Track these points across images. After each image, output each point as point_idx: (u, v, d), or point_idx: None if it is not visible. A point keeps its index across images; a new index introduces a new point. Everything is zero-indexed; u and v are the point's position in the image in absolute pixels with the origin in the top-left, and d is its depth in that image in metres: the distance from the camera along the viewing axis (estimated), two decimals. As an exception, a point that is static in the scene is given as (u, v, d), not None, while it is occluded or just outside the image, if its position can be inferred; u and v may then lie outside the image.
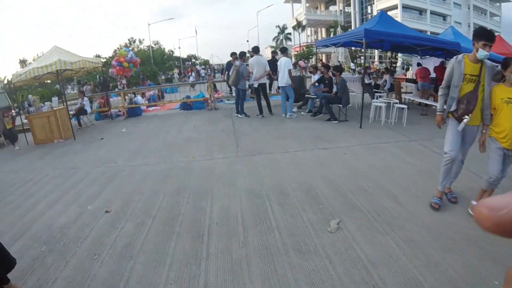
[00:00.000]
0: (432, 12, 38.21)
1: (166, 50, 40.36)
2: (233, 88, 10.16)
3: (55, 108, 8.80)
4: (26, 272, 2.88)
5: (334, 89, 7.63)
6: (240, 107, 8.47)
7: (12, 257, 2.22)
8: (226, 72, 10.44)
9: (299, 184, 4.01)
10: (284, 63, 7.94)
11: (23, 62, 39.98)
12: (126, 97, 11.56)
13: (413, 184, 3.82)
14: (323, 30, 48.92)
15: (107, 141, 7.55)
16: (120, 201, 3.97)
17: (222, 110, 9.93)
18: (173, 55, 42.07)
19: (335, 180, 3.99)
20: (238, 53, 8.90)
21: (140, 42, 43.38)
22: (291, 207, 3.46)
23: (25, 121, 9.62)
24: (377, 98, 9.06)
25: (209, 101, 10.52)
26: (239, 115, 8.50)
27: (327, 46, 11.90)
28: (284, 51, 8.58)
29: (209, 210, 3.53)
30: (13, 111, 11.52)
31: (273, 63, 9.11)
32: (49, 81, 18.05)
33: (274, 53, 11.81)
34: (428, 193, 3.46)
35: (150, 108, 12.05)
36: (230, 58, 9.99)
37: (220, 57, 75.53)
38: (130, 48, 18.75)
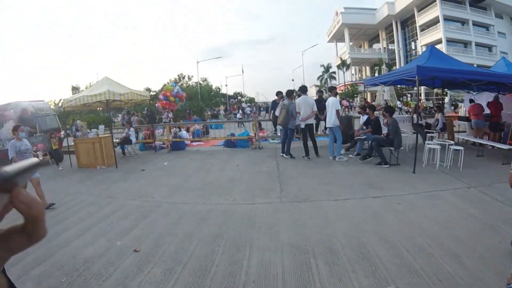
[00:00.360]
0: (477, 44, 37.79)
1: (213, 87, 42.83)
2: (278, 128, 10.21)
3: (100, 136, 9.41)
4: None
5: (384, 130, 7.36)
6: (286, 147, 8.29)
7: None
8: (272, 111, 10.66)
9: (349, 239, 3.56)
10: (332, 103, 7.79)
11: (75, 89, 44.65)
12: (172, 130, 11.96)
13: (477, 241, 3.44)
14: (367, 68, 50.25)
15: (148, 173, 7.77)
16: (151, 241, 3.82)
17: (267, 149, 9.82)
18: (220, 92, 44.50)
19: (390, 236, 3.55)
20: (284, 92, 8.94)
21: (189, 78, 46.67)
22: (339, 267, 3.01)
23: (71, 144, 10.42)
24: (429, 139, 8.68)
25: (254, 139, 10.49)
26: (284, 155, 8.31)
27: (376, 85, 11.59)
28: (332, 90, 8.46)
29: (246, 264, 3.19)
30: (61, 133, 12.73)
31: (319, 102, 9.01)
32: (100, 108, 19.55)
33: (320, 92, 11.83)
34: (494, 253, 3.15)
35: (194, 143, 12.36)
36: (276, 97, 10.34)
37: (266, 95, 78.78)
38: (176, 83, 19.94)
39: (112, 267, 3.30)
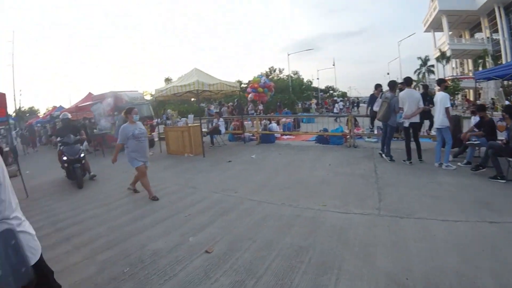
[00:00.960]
0: None
1: (305, 80, 42.47)
2: (375, 125, 9.91)
3: (190, 125, 9.93)
4: None
5: (502, 136, 6.32)
6: (386, 147, 7.22)
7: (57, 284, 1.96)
8: (369, 106, 10.12)
9: (460, 279, 2.66)
10: (441, 99, 6.43)
11: (168, 80, 49.18)
12: (262, 122, 11.89)
13: None
14: (469, 61, 45.93)
15: (234, 165, 7.81)
16: (226, 243, 3.58)
17: (362, 149, 8.83)
18: (311, 85, 44.00)
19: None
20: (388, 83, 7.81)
21: (280, 71, 47.11)
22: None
23: (161, 131, 11.46)
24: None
25: (348, 137, 9.61)
26: (383, 156, 7.25)
27: (489, 79, 9.36)
28: (441, 83, 7.05)
29: (332, 291, 2.58)
30: (154, 120, 14.20)
31: (423, 98, 7.63)
32: (193, 99, 20.95)
33: (425, 87, 10.14)
34: None
35: (284, 137, 12.11)
36: (373, 91, 9.90)
37: (358, 90, 74.71)
38: (263, 75, 20.25)
39: (178, 265, 3.14)
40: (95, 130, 13.59)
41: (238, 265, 3.03)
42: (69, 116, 8.28)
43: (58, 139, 7.38)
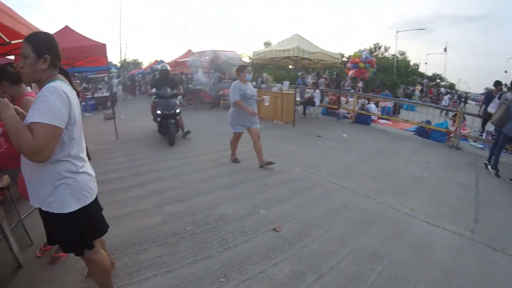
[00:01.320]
0: None
1: (411, 63, 38.52)
2: (486, 130, 9.01)
3: (284, 91, 9.74)
4: (144, 243, 2.98)
5: None
6: (494, 157, 5.95)
7: (106, 224, 2.11)
8: (483, 106, 9.30)
9: None
10: None
11: (267, 44, 49.01)
12: (359, 101, 11.12)
13: None
14: None
15: (323, 141, 7.51)
16: (296, 226, 3.40)
17: (465, 153, 7.52)
18: (417, 70, 39.86)
19: None
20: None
21: (386, 49, 43.44)
22: None
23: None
24: None
25: (452, 135, 8.34)
26: (489, 167, 6.02)
27: None
28: None
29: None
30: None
31: None
32: (290, 66, 20.58)
33: None
34: None
35: (381, 121, 11.13)
36: (493, 88, 8.90)
37: (468, 84, 65.56)
38: (364, 50, 18.72)
39: (241, 237, 3.11)
40: (190, 85, 14.67)
41: (303, 254, 2.83)
42: (168, 67, 7.90)
43: (154, 90, 7.20)
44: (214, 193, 4.14)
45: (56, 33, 7.02)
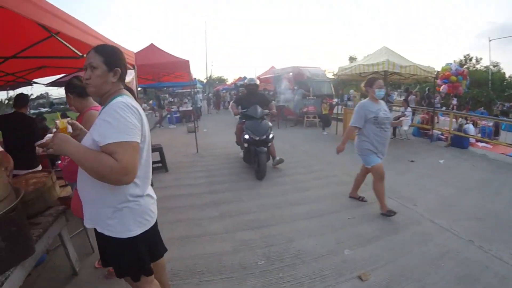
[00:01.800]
0: None
1: (506, 75, 33.61)
2: None
3: (372, 110, 9.01)
4: (208, 273, 2.67)
5: None
6: None
7: (163, 246, 1.94)
8: None
9: None
10: None
11: (352, 59, 46.83)
12: (458, 120, 9.75)
13: None
14: None
15: (416, 167, 6.49)
16: (386, 275, 2.77)
17: None
18: None
19: None
20: None
21: (477, 61, 38.72)
22: None
23: (341, 111, 11.13)
24: None
25: None
26: None
27: None
28: None
29: None
30: (334, 99, 13.76)
31: None
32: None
33: None
34: None
35: (480, 144, 9.52)
36: None
37: None
38: (454, 63, 16.58)
39: (320, 283, 2.59)
40: (273, 102, 14.47)
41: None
42: (257, 82, 6.55)
43: (240, 109, 6.10)
44: (293, 222, 3.70)
45: (142, 50, 7.53)
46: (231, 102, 8.23)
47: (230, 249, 3.09)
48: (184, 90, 22.53)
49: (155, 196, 1.76)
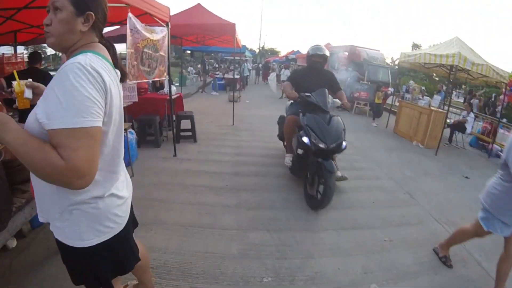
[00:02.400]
0: None
1: None
2: None
3: (433, 108, 7.90)
4: (203, 278, 2.24)
5: None
6: None
7: (135, 257, 1.43)
8: None
9: None
10: None
11: (416, 46, 42.95)
12: (523, 135, 8.34)
13: None
14: None
15: (471, 184, 5.41)
16: None
17: None
18: None
19: None
20: None
21: None
22: None
23: (396, 103, 10.09)
24: None
25: None
26: None
27: None
28: None
29: None
30: (389, 89, 12.48)
31: None
32: (435, 77, 17.57)
33: None
34: None
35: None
36: None
37: None
38: None
39: None
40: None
41: None
42: (326, 52, 4.24)
43: (294, 92, 3.99)
44: (317, 231, 3.11)
45: (187, 9, 7.16)
46: (284, 81, 4.92)
47: (236, 252, 2.62)
48: (233, 57, 22.17)
49: (127, 194, 1.29)
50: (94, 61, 0.99)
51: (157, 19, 4.11)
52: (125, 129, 3.73)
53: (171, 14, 4.46)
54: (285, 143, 4.81)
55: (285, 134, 4.37)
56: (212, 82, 15.07)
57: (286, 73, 15.40)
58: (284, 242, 2.85)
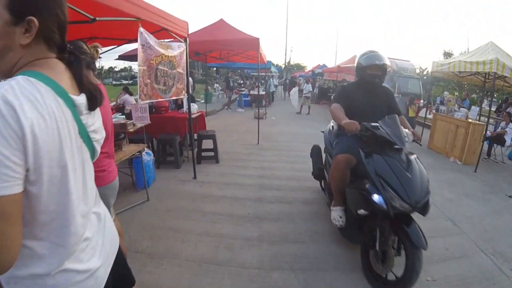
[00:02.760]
0: None
1: None
2: None
3: (470, 120, 7.21)
4: None
5: None
6: None
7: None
8: None
9: None
10: None
11: (447, 54, 41.16)
12: None
13: None
14: None
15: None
16: None
17: None
18: None
19: None
20: None
21: None
22: None
23: (429, 116, 9.38)
24: None
25: None
26: None
27: None
28: None
29: None
30: (421, 101, 11.88)
31: None
32: (465, 85, 16.49)
33: None
34: None
35: None
36: None
37: None
38: None
39: None
40: None
41: None
42: (387, 61, 3.01)
43: (345, 119, 2.84)
44: (351, 272, 2.63)
45: (210, 25, 7.01)
46: (332, 103, 3.06)
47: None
48: (258, 74, 22.23)
49: (96, 263, 0.93)
50: (16, 89, 0.66)
51: (174, 35, 3.89)
52: (140, 151, 3.51)
53: (194, 30, 4.24)
54: (323, 184, 3.94)
55: (332, 180, 2.95)
56: (238, 98, 15.00)
57: (308, 88, 15.03)
58: (311, 285, 2.43)
